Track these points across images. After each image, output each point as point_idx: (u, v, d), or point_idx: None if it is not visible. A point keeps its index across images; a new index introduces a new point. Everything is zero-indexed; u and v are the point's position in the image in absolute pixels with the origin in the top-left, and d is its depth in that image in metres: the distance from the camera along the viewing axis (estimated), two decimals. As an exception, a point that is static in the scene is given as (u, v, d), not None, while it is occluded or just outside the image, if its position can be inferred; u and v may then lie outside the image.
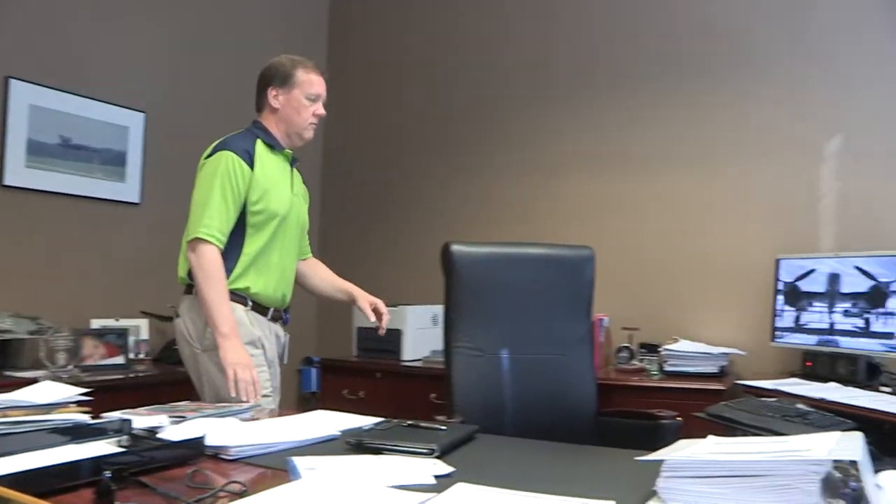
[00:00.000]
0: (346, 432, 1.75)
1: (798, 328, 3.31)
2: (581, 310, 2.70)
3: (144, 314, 3.69)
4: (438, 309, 3.27)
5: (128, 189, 3.83)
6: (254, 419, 2.00)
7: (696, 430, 1.93)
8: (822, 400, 2.63)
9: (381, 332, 2.62)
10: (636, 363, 3.54)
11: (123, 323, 3.55)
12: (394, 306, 3.80)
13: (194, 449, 1.51)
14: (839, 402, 2.58)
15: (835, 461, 1.19)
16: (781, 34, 3.63)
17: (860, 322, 3.06)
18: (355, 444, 1.62)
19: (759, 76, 3.66)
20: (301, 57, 2.57)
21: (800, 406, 2.44)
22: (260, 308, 2.47)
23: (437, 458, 1.54)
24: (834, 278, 3.19)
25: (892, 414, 2.41)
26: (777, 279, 3.42)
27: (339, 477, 1.36)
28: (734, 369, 3.50)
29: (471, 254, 2.59)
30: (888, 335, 2.95)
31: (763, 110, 3.66)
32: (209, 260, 2.29)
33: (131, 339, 3.52)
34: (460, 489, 1.28)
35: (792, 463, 1.14)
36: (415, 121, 4.53)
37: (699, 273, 3.74)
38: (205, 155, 2.43)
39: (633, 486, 1.30)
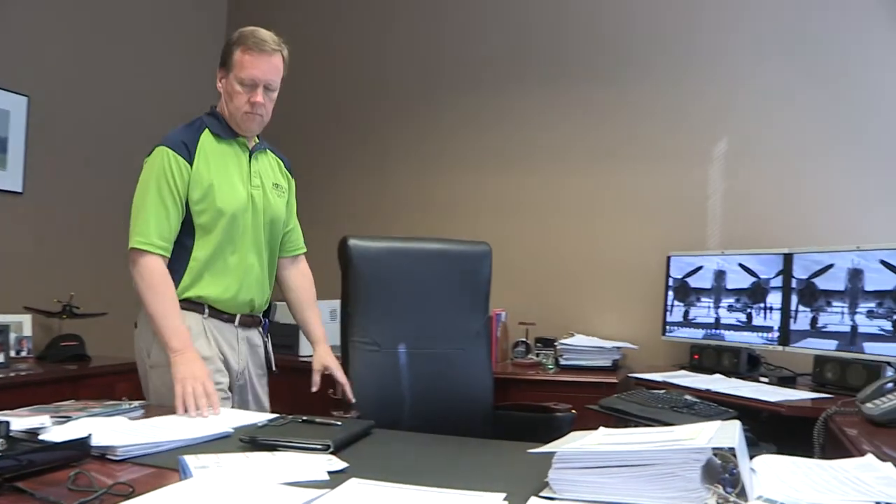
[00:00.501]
0: (239, 429, 1.72)
1: (687, 323, 3.44)
2: (478, 305, 2.72)
3: (28, 310, 3.52)
4: (337, 304, 3.24)
5: (8, 177, 3.64)
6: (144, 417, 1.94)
7: (591, 421, 1.97)
8: (707, 391, 2.75)
9: (348, 394, 2.38)
10: (532, 357, 3.61)
11: (4, 319, 3.38)
12: (292, 301, 3.78)
13: (79, 450, 1.44)
14: (723, 393, 2.70)
15: (714, 449, 1.24)
16: (672, 41, 3.76)
17: (743, 317, 3.21)
18: (249, 441, 1.59)
19: (652, 81, 3.79)
20: (254, 29, 2.22)
21: (687, 397, 2.54)
22: (222, 315, 2.25)
23: (332, 453, 1.53)
24: (720, 275, 3.34)
25: (770, 403, 2.54)
26: (668, 276, 3.55)
27: (231, 475, 1.34)
28: (627, 362, 3.61)
29: (368, 248, 2.57)
30: (768, 329, 3.11)
31: (655, 113, 3.78)
32: (150, 271, 2.09)
33: (12, 336, 3.35)
34: (353, 485, 1.27)
35: (674, 452, 1.18)
36: (313, 112, 4.48)
37: (594, 269, 3.85)
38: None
39: (526, 478, 1.32)
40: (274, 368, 2.46)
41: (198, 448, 1.56)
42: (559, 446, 1.29)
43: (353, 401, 2.36)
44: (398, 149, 4.28)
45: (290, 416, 1.83)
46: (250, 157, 2.31)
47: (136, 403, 2.04)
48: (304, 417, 1.81)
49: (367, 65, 4.37)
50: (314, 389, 2.38)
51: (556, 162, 3.95)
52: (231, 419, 1.86)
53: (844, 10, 3.47)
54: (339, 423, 1.75)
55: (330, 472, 1.38)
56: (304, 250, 2.60)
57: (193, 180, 2.16)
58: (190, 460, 1.38)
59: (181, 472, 1.35)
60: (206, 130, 2.24)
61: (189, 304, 2.18)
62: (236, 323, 2.28)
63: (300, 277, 2.57)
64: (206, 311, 2.21)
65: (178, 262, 2.17)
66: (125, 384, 3.10)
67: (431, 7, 4.25)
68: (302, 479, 1.32)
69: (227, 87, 2.22)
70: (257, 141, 2.37)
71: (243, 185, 2.26)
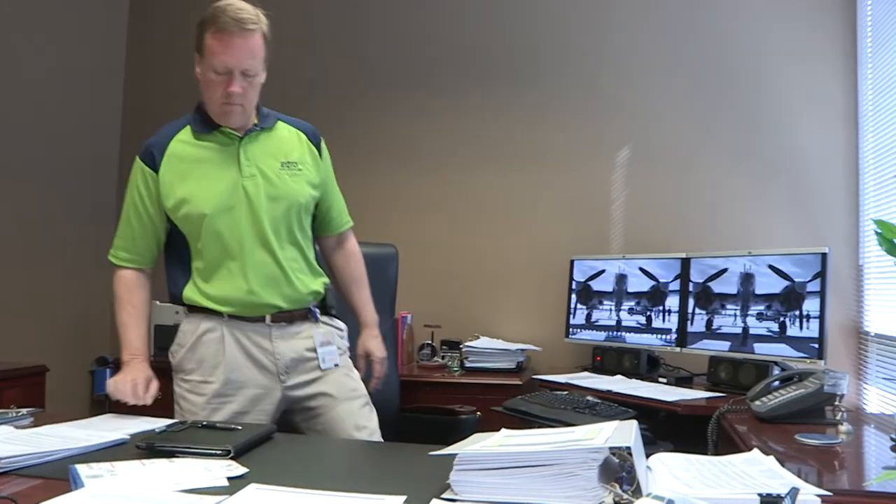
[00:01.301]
0: (136, 435, 1.67)
1: (589, 325, 3.52)
2: (384, 307, 2.71)
3: None
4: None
5: None
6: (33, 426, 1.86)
7: (495, 423, 1.99)
8: (609, 391, 2.82)
9: (372, 387, 2.22)
10: (438, 360, 3.63)
11: None
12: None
13: (-44, 462, 1.37)
14: (623, 394, 2.78)
15: (612, 448, 1.27)
16: (580, 51, 3.84)
17: (643, 319, 3.31)
18: (146, 447, 1.54)
19: (560, 88, 3.86)
20: (226, 2, 1.93)
21: (589, 398, 2.60)
22: (245, 318, 2.05)
23: (232, 459, 1.50)
24: (621, 279, 3.43)
25: (667, 402, 2.62)
26: (571, 279, 3.62)
27: (126, 483, 1.29)
28: (531, 364, 3.67)
29: None
30: (666, 331, 3.21)
31: (561, 120, 3.86)
32: (117, 282, 2.09)
33: None
34: (252, 491, 1.25)
35: (573, 452, 1.21)
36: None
37: (499, 272, 3.89)
38: None
39: (428, 480, 1.32)
40: (337, 363, 2.13)
41: (91, 456, 1.50)
42: (461, 448, 1.30)
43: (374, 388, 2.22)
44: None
45: (190, 421, 1.78)
46: (240, 143, 2.04)
47: (24, 411, 1.95)
48: (204, 422, 1.77)
49: (277, 65, 4.29)
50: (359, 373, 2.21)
51: (462, 165, 3.97)
52: (128, 425, 1.79)
53: (744, 27, 3.61)
54: (239, 427, 1.72)
55: (229, 478, 1.35)
56: (349, 225, 2.32)
57: (163, 190, 2.00)
58: (81, 469, 1.32)
59: (71, 483, 1.29)
60: (186, 128, 2.04)
61: (205, 311, 2.05)
62: (268, 321, 2.06)
63: (344, 257, 2.31)
64: (226, 315, 2.05)
65: (180, 275, 2.09)
66: (13, 391, 2.97)
67: (358, 7, 4.21)
68: (200, 486, 1.29)
69: (202, 76, 1.97)
70: (256, 122, 2.09)
71: (230, 178, 2.01)
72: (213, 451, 1.52)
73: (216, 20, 1.90)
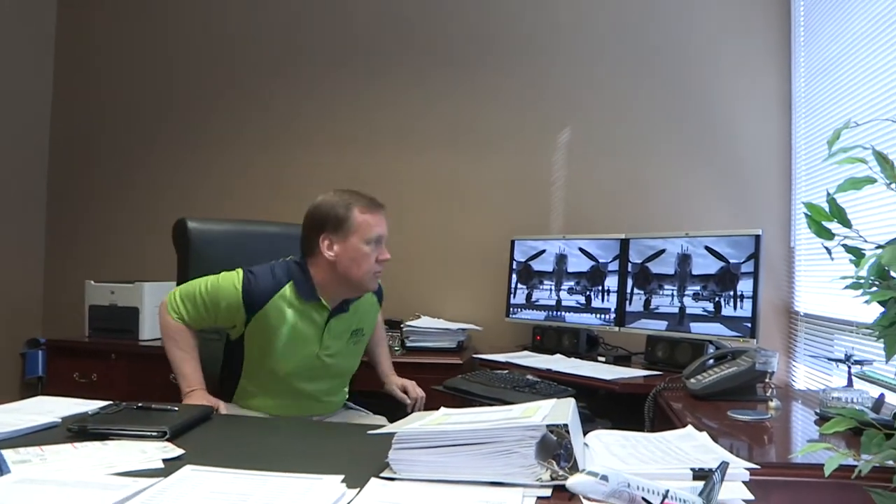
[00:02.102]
0: (68, 418, 1.62)
1: (529, 305, 3.54)
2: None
3: None
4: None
5: None
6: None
7: (436, 402, 2.00)
8: (548, 370, 2.85)
9: (419, 406, 2.56)
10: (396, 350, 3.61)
11: None
12: (130, 283, 3.61)
13: None
14: (563, 372, 2.80)
15: (549, 426, 1.28)
16: (521, 32, 3.84)
17: (582, 299, 3.34)
18: (78, 430, 1.51)
19: (501, 68, 3.85)
20: (353, 191, 2.29)
21: (529, 377, 2.61)
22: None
23: (168, 440, 1.47)
24: (561, 259, 3.45)
25: (605, 381, 2.66)
26: (512, 259, 3.64)
27: (55, 468, 1.26)
28: (471, 344, 3.68)
29: (207, 230, 2.46)
30: (605, 311, 3.25)
31: (503, 100, 3.85)
32: (167, 325, 2.22)
33: None
34: (188, 472, 1.23)
35: (510, 429, 1.21)
36: (150, 94, 4.27)
37: (440, 252, 3.88)
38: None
39: (366, 459, 1.32)
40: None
41: (19, 440, 1.46)
42: (399, 427, 1.30)
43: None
44: (245, 129, 4.15)
45: (125, 403, 1.74)
46: (328, 319, 2.28)
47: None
48: (140, 404, 1.73)
49: (212, 47, 4.21)
50: (408, 402, 2.57)
51: (403, 143, 3.95)
52: (59, 408, 1.75)
53: (681, 12, 3.65)
54: (175, 408, 1.69)
55: (165, 460, 1.33)
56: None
57: (246, 332, 2.21)
58: (8, 455, 1.29)
59: (-2, 467, 1.25)
60: (290, 286, 2.21)
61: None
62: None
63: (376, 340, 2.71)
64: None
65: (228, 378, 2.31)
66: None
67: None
68: (134, 468, 1.26)
69: (349, 252, 2.20)
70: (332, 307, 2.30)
71: (311, 351, 2.26)
72: (149, 433, 1.49)
73: (359, 199, 2.25)
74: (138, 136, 4.29)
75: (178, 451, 1.39)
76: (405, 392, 2.59)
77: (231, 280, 2.17)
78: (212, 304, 2.18)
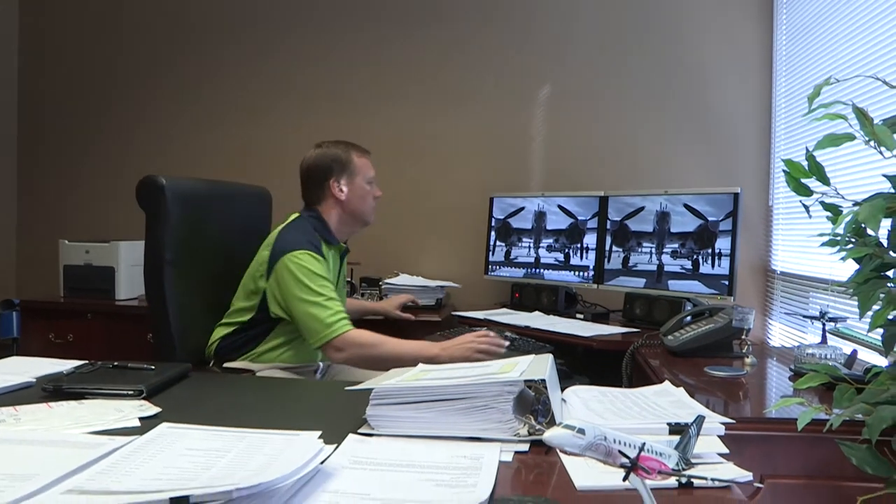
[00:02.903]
0: (42, 378, 1.61)
1: (508, 262, 3.55)
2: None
3: None
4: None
5: None
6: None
7: (413, 359, 2.02)
8: (527, 327, 2.86)
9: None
10: (358, 297, 3.60)
11: None
12: (105, 242, 3.57)
13: None
14: (541, 329, 2.82)
15: (527, 381, 1.29)
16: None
17: (561, 256, 3.35)
18: (53, 389, 1.49)
19: (481, 22, 3.80)
20: (340, 140, 2.58)
21: (508, 334, 2.63)
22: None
23: (145, 399, 1.46)
24: (540, 216, 3.45)
25: (584, 338, 2.68)
26: (490, 216, 3.63)
27: (30, 427, 1.25)
28: (450, 301, 3.68)
29: (177, 188, 2.39)
30: (584, 268, 3.26)
31: (482, 55, 3.81)
32: (358, 340, 2.29)
33: None
34: (164, 430, 1.23)
35: (488, 385, 1.22)
36: (119, 54, 4.18)
37: (419, 209, 3.87)
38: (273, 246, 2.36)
39: (344, 415, 1.32)
40: None
41: (-8, 400, 1.44)
42: (376, 383, 1.30)
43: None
44: (213, 89, 4.08)
45: (100, 362, 1.73)
46: (342, 261, 2.62)
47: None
48: (116, 363, 1.71)
49: (175, 8, 4.12)
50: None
51: (380, 99, 3.90)
52: (33, 368, 1.73)
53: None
54: (151, 367, 1.68)
55: (141, 418, 1.32)
56: None
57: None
58: (-20, 413, 1.28)
59: (-31, 427, 1.24)
60: (319, 237, 2.44)
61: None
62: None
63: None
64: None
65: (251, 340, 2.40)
66: None
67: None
68: (111, 427, 1.26)
69: (356, 191, 2.52)
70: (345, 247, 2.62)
71: (342, 290, 2.63)
72: (125, 392, 1.48)
73: (354, 147, 2.57)
74: (110, 92, 4.21)
75: (155, 410, 1.38)
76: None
77: (314, 262, 2.31)
78: (327, 280, 2.33)
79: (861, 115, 1.21)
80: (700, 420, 1.20)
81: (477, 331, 2.36)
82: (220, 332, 2.41)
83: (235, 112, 4.05)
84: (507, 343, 2.38)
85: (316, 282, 2.28)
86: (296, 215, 2.50)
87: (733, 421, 1.31)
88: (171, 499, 0.86)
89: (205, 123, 4.08)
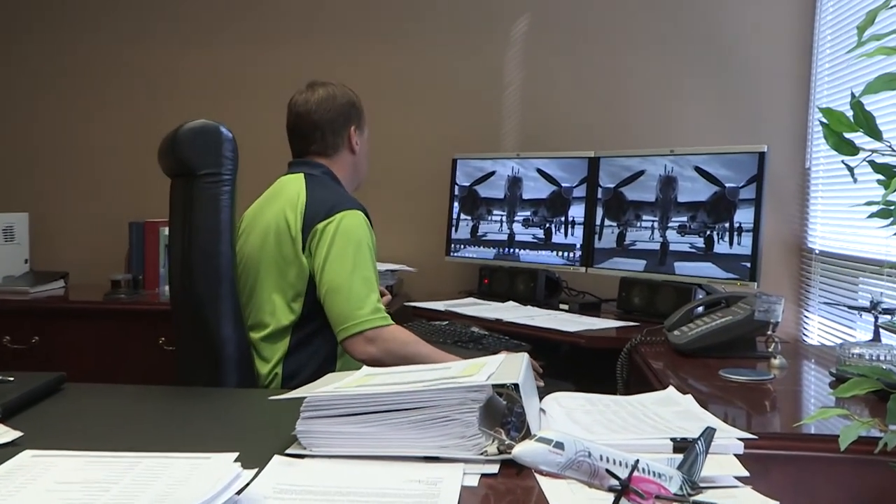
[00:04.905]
0: None
1: (475, 240, 3.56)
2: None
3: None
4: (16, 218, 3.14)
5: None
6: None
7: (358, 362, 2.02)
8: (498, 321, 2.88)
9: None
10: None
11: None
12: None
13: None
14: (516, 323, 2.84)
15: (497, 386, 1.29)
16: None
17: (541, 232, 3.36)
18: None
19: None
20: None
21: (474, 329, 2.64)
22: None
23: (1, 421, 1.43)
24: (515, 182, 3.46)
25: (569, 333, 2.70)
26: (453, 183, 3.63)
27: None
28: (404, 289, 3.69)
29: None
30: (569, 247, 3.27)
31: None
32: (398, 336, 2.25)
33: None
34: (26, 459, 1.20)
35: (447, 391, 1.22)
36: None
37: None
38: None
39: (268, 432, 1.32)
40: None
41: None
42: (309, 391, 1.29)
43: None
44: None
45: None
46: None
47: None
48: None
49: None
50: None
51: (311, 33, 3.84)
52: None
53: None
54: (10, 378, 1.64)
55: (-4, 446, 1.29)
56: None
57: None
58: None
59: None
60: None
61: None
62: None
63: None
64: None
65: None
66: None
67: None
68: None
69: (366, 146, 2.62)
70: None
71: None
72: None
73: (358, 99, 2.58)
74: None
75: (15, 434, 1.35)
76: None
77: (371, 234, 2.36)
78: (373, 256, 2.35)
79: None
80: (710, 433, 1.21)
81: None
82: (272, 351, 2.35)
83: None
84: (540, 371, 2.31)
85: (372, 258, 2.31)
86: (299, 175, 2.44)
87: (755, 437, 1.32)
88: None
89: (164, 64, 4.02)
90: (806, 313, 3.35)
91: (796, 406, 1.99)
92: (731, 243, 2.81)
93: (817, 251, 3.26)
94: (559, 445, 0.92)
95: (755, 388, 1.95)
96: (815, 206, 3.34)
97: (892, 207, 1.22)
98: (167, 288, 2.60)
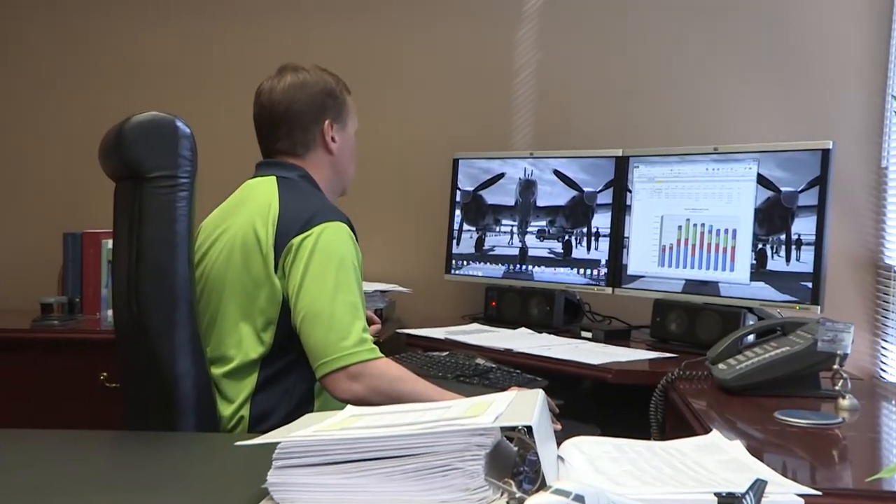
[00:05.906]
0: None
1: (481, 255, 3.56)
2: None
3: None
4: None
5: None
6: None
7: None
8: (508, 351, 2.88)
9: None
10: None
11: None
12: None
13: None
14: (530, 354, 2.84)
15: (506, 429, 1.30)
16: None
17: (559, 246, 3.36)
18: None
19: None
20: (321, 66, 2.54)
21: (480, 361, 2.64)
22: None
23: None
24: (528, 187, 3.46)
25: (592, 366, 2.69)
26: (454, 187, 3.64)
27: None
28: (397, 313, 3.70)
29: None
30: (592, 263, 3.27)
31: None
32: (386, 371, 2.24)
33: None
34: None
35: (447, 434, 1.22)
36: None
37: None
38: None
39: (234, 485, 1.32)
40: None
41: None
42: (284, 434, 1.30)
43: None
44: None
45: None
46: None
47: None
48: None
49: None
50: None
51: (289, 10, 3.86)
52: None
53: None
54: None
55: None
56: None
57: None
58: None
59: None
60: None
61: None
62: None
63: None
64: None
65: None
66: None
67: None
68: None
69: (348, 144, 2.57)
70: None
71: None
72: None
73: (341, 80, 2.56)
74: None
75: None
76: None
77: (356, 251, 2.36)
78: (359, 279, 2.34)
79: None
80: (760, 486, 1.21)
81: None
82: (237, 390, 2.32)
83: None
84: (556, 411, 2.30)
85: (357, 278, 2.31)
86: (269, 178, 2.42)
87: (819, 492, 1.32)
88: None
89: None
90: (883, 343, 3.32)
91: (870, 457, 1.97)
92: (787, 259, 2.81)
93: (896, 268, 3.24)
94: (579, 499, 0.92)
95: (819, 435, 1.94)
96: (894, 214, 3.31)
97: None
98: (110, 313, 2.60)
